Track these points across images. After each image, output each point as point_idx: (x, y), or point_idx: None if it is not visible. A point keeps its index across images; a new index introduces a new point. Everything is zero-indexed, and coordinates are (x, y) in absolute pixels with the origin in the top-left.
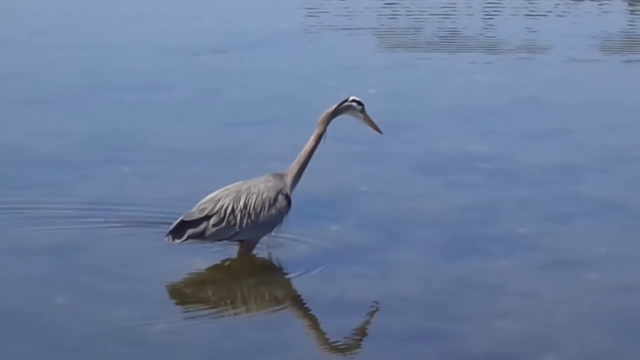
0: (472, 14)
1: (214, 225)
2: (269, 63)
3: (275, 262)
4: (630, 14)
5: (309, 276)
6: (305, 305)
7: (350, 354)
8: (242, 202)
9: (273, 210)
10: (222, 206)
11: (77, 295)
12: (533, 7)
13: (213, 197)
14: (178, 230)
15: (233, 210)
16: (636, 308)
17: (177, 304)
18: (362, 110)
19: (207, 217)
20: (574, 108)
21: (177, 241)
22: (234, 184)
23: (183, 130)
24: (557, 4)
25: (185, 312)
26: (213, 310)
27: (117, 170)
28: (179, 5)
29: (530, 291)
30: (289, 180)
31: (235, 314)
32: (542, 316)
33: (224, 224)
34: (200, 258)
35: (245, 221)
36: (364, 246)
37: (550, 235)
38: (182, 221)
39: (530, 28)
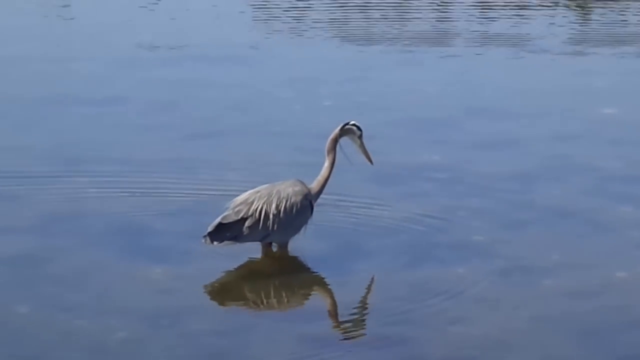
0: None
1: (248, 227)
2: (223, 75)
3: (231, 271)
4: (579, 14)
5: (267, 285)
6: (263, 314)
7: None
8: (274, 206)
9: (301, 214)
10: (257, 209)
11: (38, 305)
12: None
13: (246, 200)
14: (216, 233)
15: (267, 213)
16: (590, 312)
17: (138, 312)
18: (360, 137)
19: (243, 220)
20: (526, 116)
21: (216, 243)
22: (263, 187)
23: (140, 142)
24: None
25: (146, 320)
26: (173, 319)
27: (75, 182)
28: (134, 20)
29: (487, 297)
30: (312, 192)
31: (194, 322)
32: (499, 321)
33: (258, 226)
34: (160, 267)
35: (277, 224)
36: (321, 255)
37: (505, 242)
38: (220, 223)
39: (484, 26)
